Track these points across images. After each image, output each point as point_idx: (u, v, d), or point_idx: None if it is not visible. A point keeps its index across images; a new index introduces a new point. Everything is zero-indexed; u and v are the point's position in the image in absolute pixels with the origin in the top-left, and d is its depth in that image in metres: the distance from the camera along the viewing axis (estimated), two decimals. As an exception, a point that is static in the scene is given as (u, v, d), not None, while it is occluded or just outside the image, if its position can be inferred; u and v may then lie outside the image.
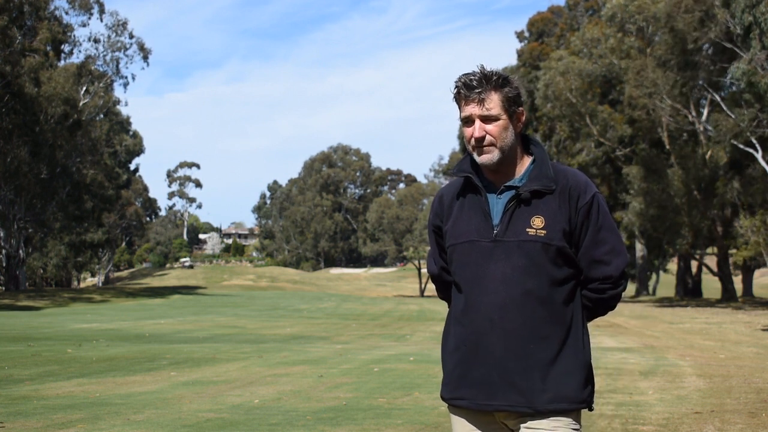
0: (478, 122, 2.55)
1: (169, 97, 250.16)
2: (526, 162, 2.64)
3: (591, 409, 2.62)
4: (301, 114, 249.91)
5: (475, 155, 2.59)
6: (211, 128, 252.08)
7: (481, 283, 2.54)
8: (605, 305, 2.67)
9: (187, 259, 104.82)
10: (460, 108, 2.62)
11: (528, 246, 2.51)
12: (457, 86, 2.59)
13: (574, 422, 2.56)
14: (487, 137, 2.55)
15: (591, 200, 2.58)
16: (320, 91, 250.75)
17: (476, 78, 2.55)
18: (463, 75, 2.59)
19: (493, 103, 2.55)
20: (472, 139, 2.58)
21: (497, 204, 2.59)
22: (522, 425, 2.53)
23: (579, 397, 2.55)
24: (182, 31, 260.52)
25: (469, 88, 2.55)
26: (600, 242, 2.57)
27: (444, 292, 2.84)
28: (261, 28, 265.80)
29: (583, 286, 2.63)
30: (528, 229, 2.52)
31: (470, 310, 2.56)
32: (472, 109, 2.56)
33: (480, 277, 2.54)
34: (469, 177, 2.63)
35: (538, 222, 2.53)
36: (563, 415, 2.53)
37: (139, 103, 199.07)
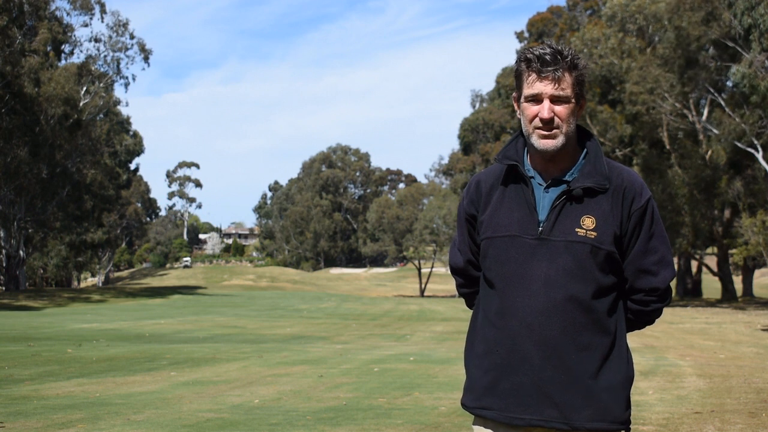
0: (547, 102, 2.32)
1: (168, 97, 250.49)
2: (578, 155, 2.41)
3: (628, 431, 2.38)
4: (299, 114, 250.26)
5: (533, 139, 2.35)
6: (209, 128, 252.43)
7: (520, 284, 2.31)
8: (645, 319, 2.46)
9: (188, 259, 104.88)
10: (522, 84, 2.38)
11: (576, 247, 2.29)
12: (528, 59, 2.35)
13: None
14: (556, 119, 2.32)
15: (646, 204, 2.37)
16: (318, 91, 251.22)
17: (550, 53, 2.33)
18: (531, 48, 2.37)
19: (566, 83, 2.33)
20: (537, 120, 2.34)
21: (544, 198, 2.36)
22: None
23: (621, 417, 2.32)
24: (180, 31, 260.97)
25: (544, 63, 2.32)
26: (650, 251, 2.37)
27: (467, 288, 2.61)
28: (258, 29, 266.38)
29: (625, 297, 2.42)
30: (577, 229, 2.30)
31: (506, 313, 2.32)
32: (544, 87, 2.32)
33: (519, 276, 2.31)
34: (515, 165, 2.40)
35: (588, 222, 2.31)
36: None
37: (137, 103, 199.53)
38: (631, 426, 2.39)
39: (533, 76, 2.34)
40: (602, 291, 2.32)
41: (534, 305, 2.29)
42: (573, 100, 2.35)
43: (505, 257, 2.35)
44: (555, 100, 2.32)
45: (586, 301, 2.29)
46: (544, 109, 2.32)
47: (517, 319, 2.30)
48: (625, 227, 2.36)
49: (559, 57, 2.32)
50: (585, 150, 2.43)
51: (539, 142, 2.34)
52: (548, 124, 2.32)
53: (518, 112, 2.44)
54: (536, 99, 2.34)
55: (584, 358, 2.28)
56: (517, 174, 2.41)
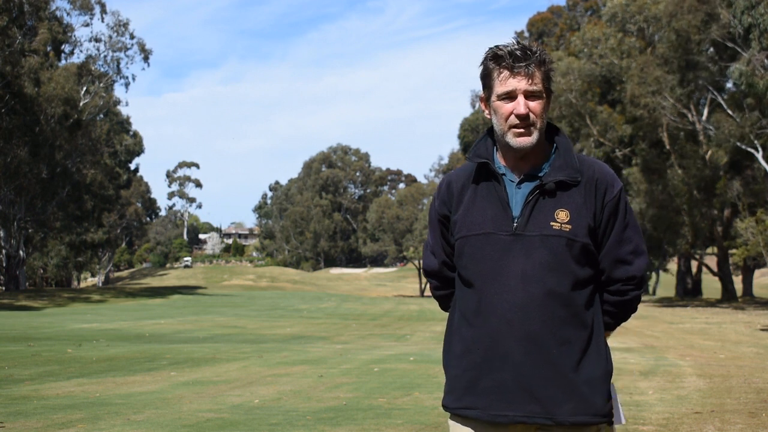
0: (521, 98, 2.31)
1: (167, 97, 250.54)
2: (548, 150, 2.42)
3: (611, 424, 2.37)
4: (299, 114, 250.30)
5: (509, 137, 2.34)
6: (209, 128, 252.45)
7: (497, 281, 2.29)
8: (628, 308, 2.44)
9: (188, 259, 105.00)
10: (493, 82, 2.36)
11: (552, 241, 2.28)
12: (499, 56, 2.34)
13: None
14: (531, 116, 2.31)
15: (618, 195, 2.38)
16: (317, 91, 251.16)
17: (520, 49, 2.32)
18: (500, 46, 2.36)
19: (538, 78, 2.32)
20: (513, 117, 2.32)
21: (517, 194, 2.35)
22: None
23: (603, 410, 2.31)
24: (179, 31, 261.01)
25: (517, 59, 2.31)
26: (625, 241, 2.37)
27: (442, 289, 2.59)
28: (258, 29, 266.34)
29: (602, 289, 2.41)
30: (552, 223, 2.30)
31: (484, 310, 2.31)
32: (518, 83, 2.31)
33: (497, 273, 2.30)
34: (486, 162, 2.39)
35: (563, 216, 2.31)
36: (585, 428, 2.31)
37: (137, 103, 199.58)
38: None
39: (506, 73, 2.33)
40: (579, 284, 2.32)
41: (513, 301, 2.28)
42: (544, 95, 2.35)
43: (480, 255, 2.33)
44: (529, 95, 2.32)
45: (564, 295, 2.29)
46: (521, 105, 2.31)
47: (496, 316, 2.29)
48: (599, 219, 2.36)
49: (529, 53, 2.32)
50: (555, 145, 2.43)
51: (515, 140, 2.34)
52: (525, 119, 2.31)
53: (486, 112, 2.43)
54: (510, 96, 2.33)
55: (565, 351, 2.28)
56: (489, 172, 2.40)
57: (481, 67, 2.40)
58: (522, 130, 2.32)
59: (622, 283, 2.40)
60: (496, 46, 2.36)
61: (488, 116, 2.42)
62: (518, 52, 2.31)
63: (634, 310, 2.49)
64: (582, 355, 2.30)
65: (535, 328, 2.26)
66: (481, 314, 2.32)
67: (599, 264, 2.39)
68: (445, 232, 2.49)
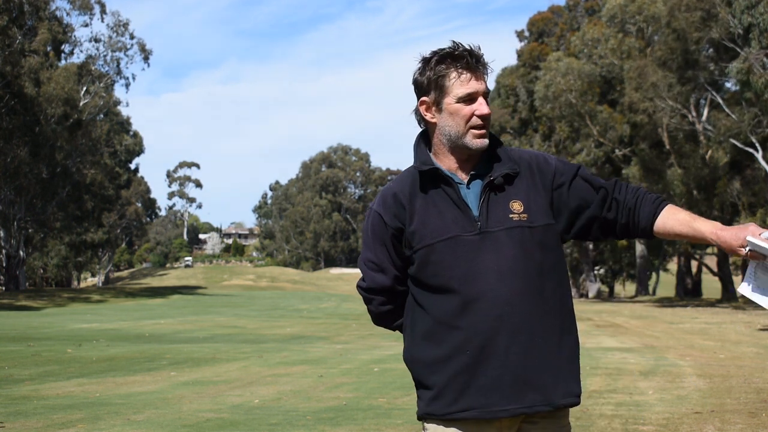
0: (482, 99, 2.33)
1: (166, 97, 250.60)
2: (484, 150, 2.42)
3: (578, 403, 2.44)
4: (298, 114, 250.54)
5: (468, 139, 2.34)
6: (209, 128, 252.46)
7: (478, 280, 2.29)
8: (648, 201, 2.40)
9: (189, 258, 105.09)
10: (449, 85, 2.33)
11: (515, 232, 2.31)
12: (458, 56, 2.32)
13: (569, 429, 2.42)
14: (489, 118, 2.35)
15: (554, 163, 2.42)
16: (317, 91, 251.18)
17: (475, 51, 2.33)
18: (450, 48, 2.34)
19: (486, 79, 2.35)
20: (475, 118, 2.32)
21: (469, 194, 2.36)
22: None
23: (578, 390, 2.38)
24: (178, 31, 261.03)
25: (477, 60, 2.32)
26: (591, 180, 2.41)
27: (390, 304, 2.55)
28: (257, 29, 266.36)
29: (616, 230, 2.41)
30: (510, 215, 2.33)
31: (468, 311, 2.30)
32: (479, 85, 2.32)
33: (474, 273, 2.30)
34: (436, 168, 2.36)
35: (517, 206, 2.34)
36: (567, 413, 2.40)
37: (136, 103, 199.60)
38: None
39: (466, 74, 2.31)
40: (548, 268, 2.35)
41: (497, 297, 2.29)
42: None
43: (452, 259, 2.32)
44: (484, 96, 2.35)
45: (538, 283, 2.32)
46: (484, 106, 2.32)
47: (482, 315, 2.29)
48: (557, 193, 2.40)
49: (481, 54, 2.34)
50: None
51: (475, 142, 2.34)
52: (487, 121, 2.33)
53: (428, 116, 2.38)
54: (472, 98, 2.32)
55: (549, 337, 2.32)
56: (435, 177, 2.37)
57: (429, 71, 2.35)
58: (483, 131, 2.34)
59: (623, 205, 2.40)
60: (452, 48, 2.33)
61: (431, 120, 2.38)
62: (475, 53, 2.32)
63: (655, 199, 2.43)
64: (561, 336, 2.35)
65: (520, 319, 2.29)
66: (467, 315, 2.31)
67: (604, 223, 2.42)
68: (397, 245, 2.42)
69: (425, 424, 2.43)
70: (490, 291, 2.29)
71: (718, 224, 2.33)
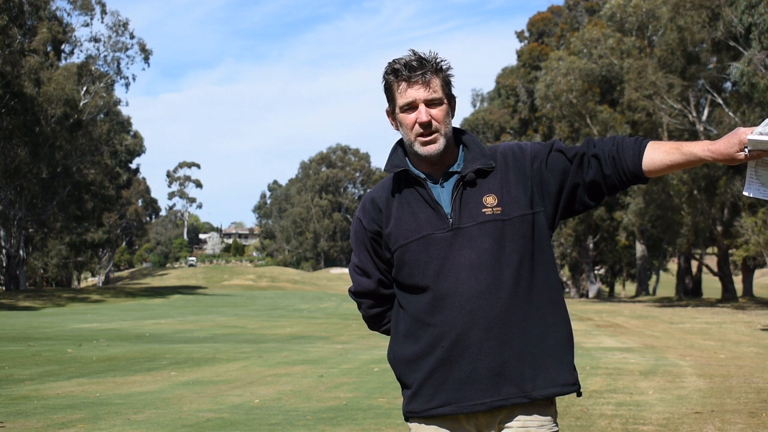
0: (422, 106, 2.36)
1: (164, 97, 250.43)
2: (458, 150, 2.47)
3: (580, 394, 2.43)
4: (297, 114, 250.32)
5: (416, 146, 2.39)
6: (208, 128, 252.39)
7: (449, 276, 2.33)
8: (622, 144, 2.41)
9: (193, 258, 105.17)
10: (395, 95, 2.41)
11: (488, 226, 2.34)
12: (396, 69, 2.38)
13: (554, 419, 2.40)
14: (434, 123, 2.37)
15: (529, 148, 2.45)
16: (315, 91, 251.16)
17: (416, 59, 2.37)
18: (396, 59, 2.41)
19: (436, 85, 2.38)
20: (416, 126, 2.38)
21: (442, 193, 2.40)
22: (506, 424, 2.35)
23: (570, 379, 2.37)
24: (176, 31, 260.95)
25: (412, 69, 2.36)
26: (564, 150, 2.43)
27: (378, 306, 2.59)
28: (254, 29, 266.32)
29: (603, 168, 2.40)
30: (484, 210, 2.36)
31: (442, 307, 2.33)
32: (417, 93, 2.36)
33: (446, 270, 2.33)
34: (405, 170, 2.43)
35: (490, 200, 2.37)
36: (551, 404, 2.38)
37: (134, 103, 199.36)
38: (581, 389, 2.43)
39: (404, 84, 2.38)
40: (526, 259, 2.36)
41: (469, 292, 2.31)
42: (445, 101, 2.40)
43: (425, 257, 2.37)
44: (429, 104, 2.37)
45: (514, 275, 2.33)
46: (422, 114, 2.36)
47: (455, 310, 2.32)
48: (539, 175, 2.42)
49: (424, 62, 2.37)
50: (462, 144, 2.49)
51: (423, 149, 2.39)
52: (428, 127, 2.37)
53: (394, 125, 2.48)
54: (412, 106, 2.38)
55: (528, 329, 2.33)
56: (409, 179, 2.44)
57: (383, 82, 2.45)
58: (428, 138, 2.38)
59: (603, 160, 2.40)
60: (394, 60, 2.41)
61: (396, 129, 2.48)
62: (414, 63, 2.36)
63: (633, 143, 2.42)
64: (543, 328, 2.35)
65: (496, 313, 2.31)
66: (440, 312, 2.34)
67: (589, 187, 2.42)
68: (378, 249, 2.50)
69: (409, 424, 2.46)
70: (461, 286, 2.32)
71: (706, 141, 2.34)
